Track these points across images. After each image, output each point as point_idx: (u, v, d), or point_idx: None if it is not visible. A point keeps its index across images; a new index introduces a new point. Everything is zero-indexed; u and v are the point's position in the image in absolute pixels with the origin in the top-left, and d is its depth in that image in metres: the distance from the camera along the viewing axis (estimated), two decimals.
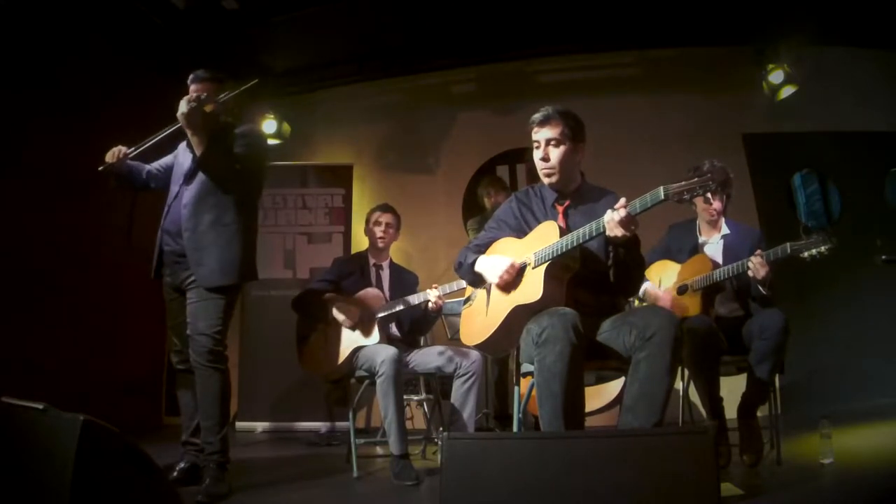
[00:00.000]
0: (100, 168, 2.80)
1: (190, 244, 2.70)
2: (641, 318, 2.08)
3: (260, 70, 5.18)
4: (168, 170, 2.96)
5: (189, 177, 2.80)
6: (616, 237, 2.07)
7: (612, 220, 2.04)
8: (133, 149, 2.81)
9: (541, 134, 2.34)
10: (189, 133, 2.65)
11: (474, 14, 4.79)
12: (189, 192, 2.77)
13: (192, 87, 2.81)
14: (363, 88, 5.69)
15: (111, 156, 2.79)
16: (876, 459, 2.83)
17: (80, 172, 4.02)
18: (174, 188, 2.86)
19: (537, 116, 2.35)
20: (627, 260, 2.21)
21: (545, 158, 2.34)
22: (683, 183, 1.99)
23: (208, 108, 2.69)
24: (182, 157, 2.89)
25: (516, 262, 2.29)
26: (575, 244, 2.13)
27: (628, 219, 2.03)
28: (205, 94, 2.67)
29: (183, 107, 2.59)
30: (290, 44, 5.03)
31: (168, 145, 2.95)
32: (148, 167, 2.99)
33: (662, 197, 2.00)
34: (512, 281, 2.29)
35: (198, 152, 2.67)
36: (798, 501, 2.26)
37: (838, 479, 2.47)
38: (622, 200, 2.06)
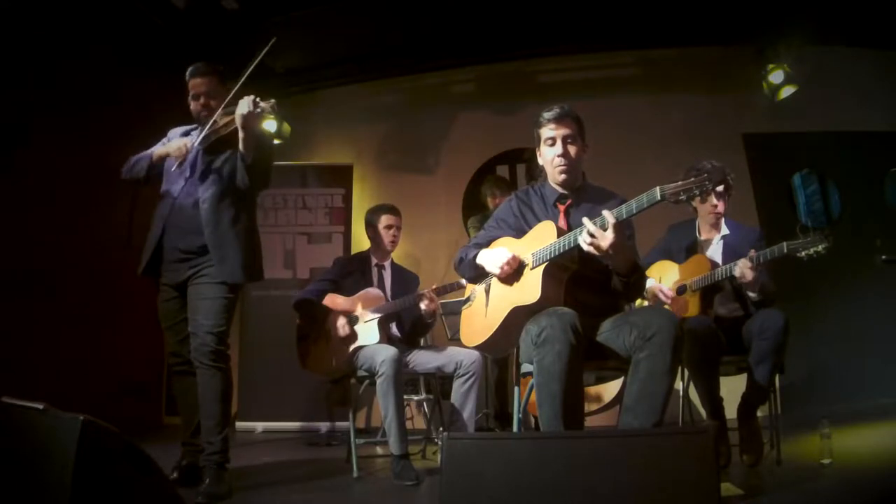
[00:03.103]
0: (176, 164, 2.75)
1: (213, 241, 2.68)
2: (642, 318, 2.08)
3: (260, 70, 5.19)
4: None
5: (203, 173, 2.75)
6: (604, 257, 2.08)
7: (593, 243, 2.03)
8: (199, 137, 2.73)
9: (559, 131, 2.33)
10: (243, 135, 2.57)
11: (474, 14, 4.79)
12: (206, 190, 2.73)
13: (196, 81, 2.80)
14: (363, 88, 5.69)
15: (179, 151, 2.74)
16: (876, 459, 2.83)
17: (80, 172, 4.06)
18: (180, 182, 2.78)
19: (552, 114, 2.34)
20: (626, 284, 2.22)
21: (565, 154, 2.34)
22: (680, 183, 1.98)
23: (270, 117, 2.64)
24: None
25: (517, 255, 2.29)
26: (573, 245, 2.12)
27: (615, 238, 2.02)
28: (257, 97, 2.54)
29: (244, 107, 2.51)
30: (290, 44, 5.02)
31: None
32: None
33: (659, 198, 1.99)
34: (513, 273, 2.28)
35: (248, 156, 2.61)
36: (798, 501, 2.26)
37: (838, 479, 2.47)
38: (605, 214, 2.04)
